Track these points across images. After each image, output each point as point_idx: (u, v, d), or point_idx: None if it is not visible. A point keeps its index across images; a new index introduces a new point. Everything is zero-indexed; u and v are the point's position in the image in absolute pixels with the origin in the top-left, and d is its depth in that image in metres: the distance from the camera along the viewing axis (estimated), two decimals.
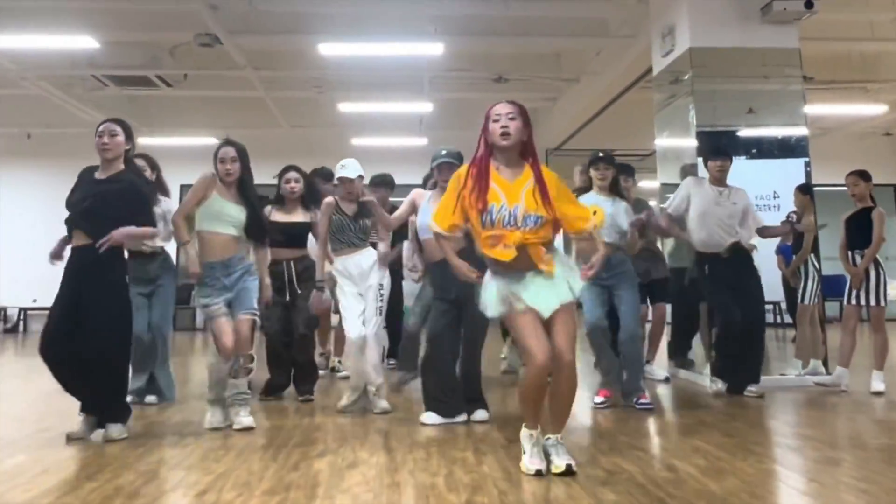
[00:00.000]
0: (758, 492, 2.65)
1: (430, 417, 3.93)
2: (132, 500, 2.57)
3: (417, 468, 3.00)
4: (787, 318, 6.91)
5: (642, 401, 4.36)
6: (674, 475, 2.85)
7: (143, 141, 11.94)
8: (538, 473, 2.85)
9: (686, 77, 5.83)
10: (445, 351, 4.02)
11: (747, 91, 5.89)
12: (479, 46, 9.25)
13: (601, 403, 4.44)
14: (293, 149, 11.48)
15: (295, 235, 4.86)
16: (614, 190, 4.55)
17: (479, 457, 3.16)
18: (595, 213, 3.06)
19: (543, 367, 2.82)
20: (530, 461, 2.91)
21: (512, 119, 2.94)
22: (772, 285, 6.40)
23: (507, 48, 9.58)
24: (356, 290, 4.38)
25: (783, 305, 6.91)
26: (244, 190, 4.02)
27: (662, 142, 6.44)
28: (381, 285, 4.37)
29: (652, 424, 4.08)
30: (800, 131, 5.85)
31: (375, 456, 3.21)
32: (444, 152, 4.08)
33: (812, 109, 6.09)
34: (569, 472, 2.83)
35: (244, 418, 3.85)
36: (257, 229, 4.02)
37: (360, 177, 4.46)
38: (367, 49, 8.06)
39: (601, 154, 4.61)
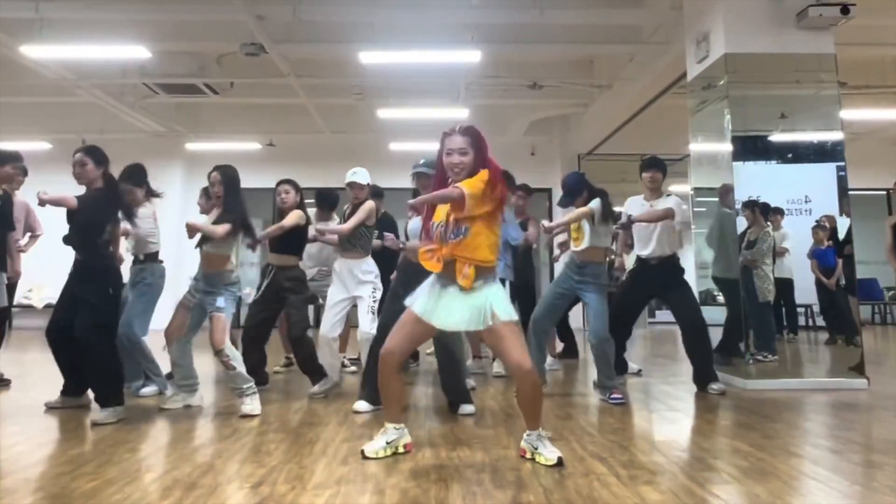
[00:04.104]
0: (802, 493, 2.59)
1: (362, 405, 4.17)
2: (191, 491, 2.60)
3: (463, 464, 2.99)
4: (820, 322, 6.78)
5: (614, 396, 4.53)
6: (717, 475, 2.81)
7: (191, 146, 12.16)
8: (362, 454, 3.06)
9: (721, 82, 5.74)
10: None
11: (780, 96, 5.80)
12: (515, 54, 9.23)
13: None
14: (333, 154, 11.59)
15: (280, 241, 4.89)
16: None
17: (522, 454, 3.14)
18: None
19: (384, 358, 3.04)
20: (369, 444, 3.13)
21: (464, 155, 2.96)
22: (804, 290, 6.30)
23: (541, 55, 9.56)
24: (340, 295, 4.86)
25: (815, 308, 6.79)
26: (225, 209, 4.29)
27: (697, 146, 6.35)
28: (374, 288, 4.85)
29: (689, 424, 4.03)
30: (835, 136, 5.73)
31: (421, 452, 3.21)
32: (421, 161, 4.26)
33: (844, 114, 5.95)
34: (559, 464, 2.88)
35: (244, 406, 4.13)
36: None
37: (368, 185, 4.96)
38: (406, 57, 8.07)
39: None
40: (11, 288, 5.56)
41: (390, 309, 4.17)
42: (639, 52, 8.65)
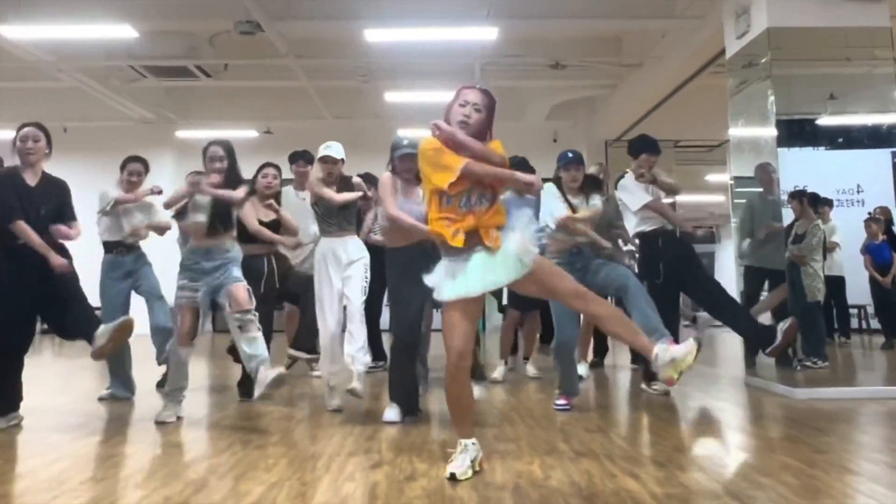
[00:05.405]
0: None
1: (393, 415, 4.23)
2: None
3: (481, 481, 2.96)
4: (875, 324, 6.71)
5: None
6: (764, 494, 2.76)
7: (182, 134, 12.20)
8: (451, 477, 2.95)
9: (763, 60, 5.67)
10: (414, 349, 4.38)
11: (829, 75, 5.73)
12: (535, 30, 9.16)
13: (562, 406, 4.63)
14: (336, 141, 11.58)
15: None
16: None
17: (547, 470, 3.11)
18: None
19: (454, 364, 2.97)
20: (451, 465, 3.03)
21: (477, 111, 3.09)
22: (857, 289, 6.23)
23: (564, 32, 9.48)
24: (338, 283, 4.63)
25: (870, 309, 6.72)
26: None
27: (737, 131, 6.28)
28: (366, 268, 4.71)
29: (732, 437, 3.99)
30: (890, 118, 5.65)
31: (434, 468, 3.18)
32: (405, 142, 4.29)
33: None
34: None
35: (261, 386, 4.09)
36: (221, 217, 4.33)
37: (342, 160, 4.83)
38: (416, 35, 8.06)
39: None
40: None
41: (410, 306, 4.19)
42: (672, 27, 8.59)
